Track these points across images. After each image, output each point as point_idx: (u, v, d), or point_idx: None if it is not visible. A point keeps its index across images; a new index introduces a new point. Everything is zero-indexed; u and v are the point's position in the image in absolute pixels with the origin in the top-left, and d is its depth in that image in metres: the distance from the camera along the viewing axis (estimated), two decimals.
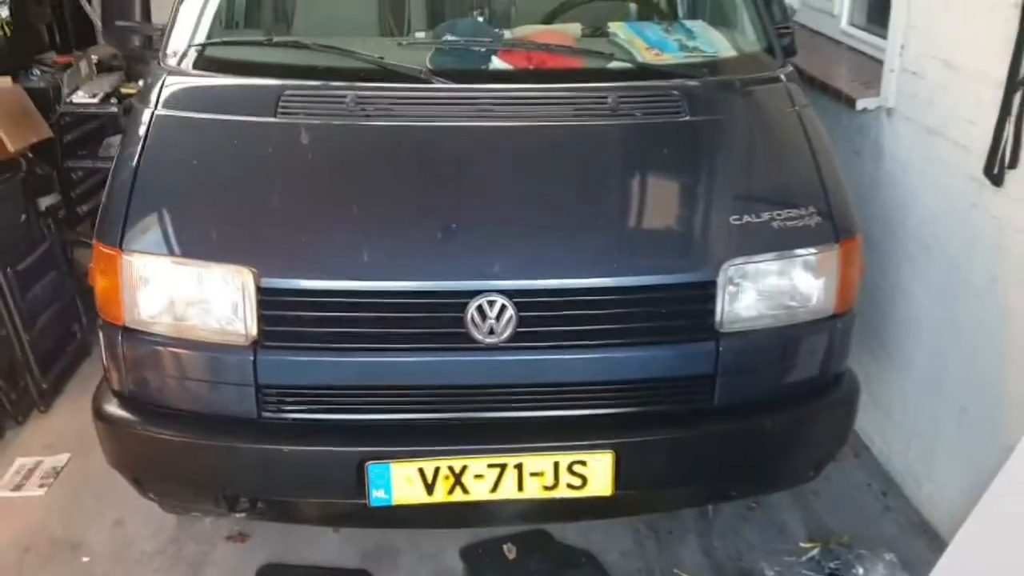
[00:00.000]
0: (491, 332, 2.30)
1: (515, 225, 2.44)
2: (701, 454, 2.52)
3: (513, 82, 2.77)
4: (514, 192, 2.50)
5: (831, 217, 2.50)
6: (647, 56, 2.82)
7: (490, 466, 2.36)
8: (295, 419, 2.39)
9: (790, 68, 2.93)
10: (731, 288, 2.39)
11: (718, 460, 2.55)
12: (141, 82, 3.08)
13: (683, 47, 2.85)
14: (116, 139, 4.52)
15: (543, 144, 2.60)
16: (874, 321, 3.41)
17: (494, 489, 2.38)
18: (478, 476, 2.36)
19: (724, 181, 2.60)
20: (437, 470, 2.35)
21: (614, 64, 2.82)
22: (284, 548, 3.02)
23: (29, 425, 3.68)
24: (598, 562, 2.98)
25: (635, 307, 2.38)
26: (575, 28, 3.03)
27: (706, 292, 2.38)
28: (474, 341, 2.31)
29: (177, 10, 2.93)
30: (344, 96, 2.61)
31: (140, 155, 2.52)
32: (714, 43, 2.94)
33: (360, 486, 2.35)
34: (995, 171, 2.63)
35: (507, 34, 3.01)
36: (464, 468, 2.35)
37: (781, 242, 2.44)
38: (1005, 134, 2.58)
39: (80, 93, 4.64)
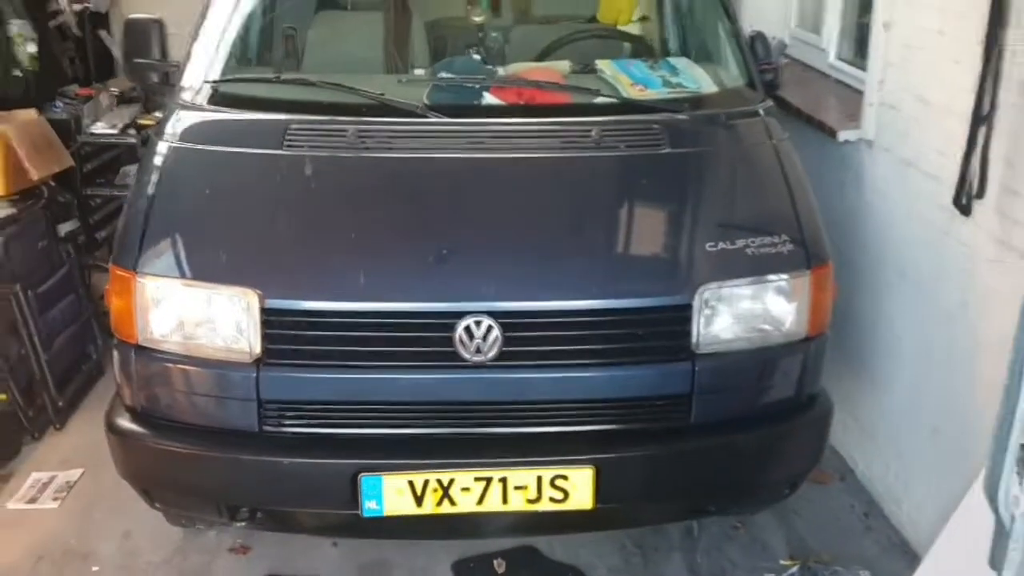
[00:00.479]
0: (478, 351, 2.44)
1: (502, 250, 2.59)
2: (678, 470, 2.63)
3: (504, 116, 2.94)
4: (502, 219, 2.65)
5: (803, 245, 2.63)
6: (631, 92, 2.98)
7: (476, 479, 2.48)
8: (294, 433, 2.53)
9: (769, 103, 3.07)
10: (706, 311, 2.52)
11: (695, 476, 2.66)
12: (158, 113, 3.26)
13: (667, 83, 3.01)
14: (133, 168, 4.70)
15: (530, 174, 2.75)
16: (857, 345, 3.53)
17: (480, 501, 2.50)
18: (465, 489, 2.49)
19: (701, 210, 2.75)
20: (426, 482, 2.47)
21: (600, 99, 2.98)
22: (284, 560, 3.15)
23: (45, 441, 3.83)
24: None
25: (615, 328, 2.51)
26: (564, 65, 3.20)
27: (682, 315, 2.51)
28: (462, 360, 2.45)
29: (191, 48, 3.12)
30: (346, 130, 2.77)
31: (155, 185, 2.70)
32: (697, 79, 3.09)
33: (354, 497, 2.48)
34: (963, 201, 2.76)
35: (500, 71, 3.18)
36: (452, 481, 2.48)
37: (754, 268, 2.57)
38: (972, 166, 2.71)
39: (100, 124, 4.86)
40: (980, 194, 2.71)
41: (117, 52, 5.55)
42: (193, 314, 2.52)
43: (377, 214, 2.65)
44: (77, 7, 5.50)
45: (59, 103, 4.85)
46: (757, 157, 2.90)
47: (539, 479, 2.49)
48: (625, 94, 2.99)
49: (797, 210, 2.70)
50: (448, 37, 3.84)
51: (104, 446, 2.71)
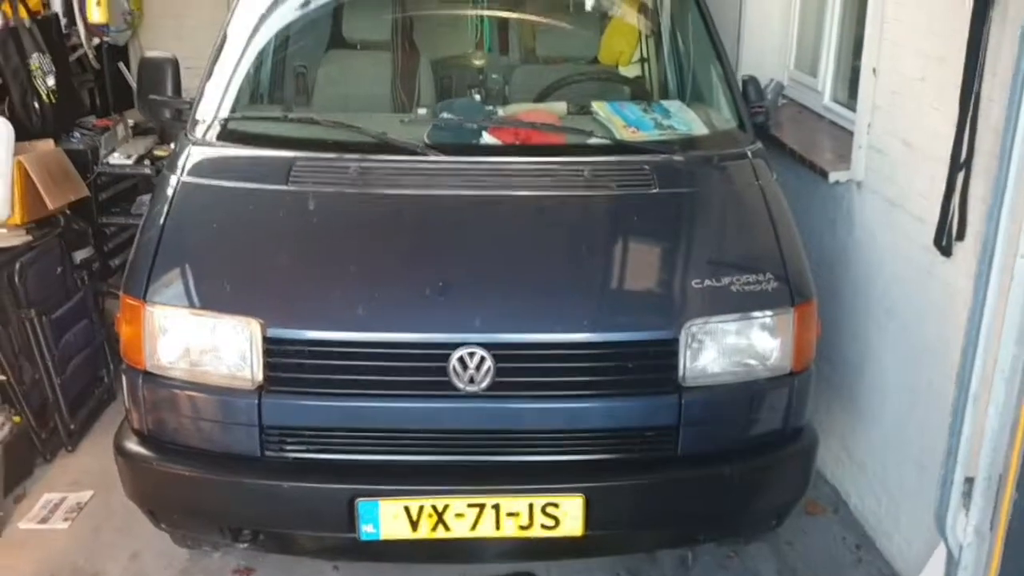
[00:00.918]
0: (471, 381, 2.53)
1: (495, 284, 2.69)
2: (665, 499, 2.71)
3: (501, 155, 3.06)
4: (496, 254, 2.76)
5: (788, 282, 2.73)
6: (624, 133, 3.10)
7: (470, 506, 2.57)
8: (294, 458, 2.63)
9: (759, 145, 3.18)
10: (693, 345, 2.62)
11: (682, 506, 2.74)
12: (173, 144, 3.39)
13: (658, 125, 3.12)
14: (147, 197, 4.82)
15: (524, 212, 2.87)
16: (848, 379, 3.61)
17: (473, 527, 2.59)
18: (459, 515, 2.57)
19: (688, 248, 2.85)
20: (421, 508, 2.56)
21: (593, 140, 3.09)
22: None
23: (56, 463, 3.93)
24: None
25: (604, 361, 2.61)
26: (561, 107, 3.32)
27: (669, 348, 2.60)
28: (455, 389, 2.54)
29: (204, 87, 3.25)
30: (349, 166, 2.89)
31: (165, 218, 2.81)
32: (688, 122, 3.21)
33: (351, 521, 2.57)
34: (944, 243, 2.85)
35: (500, 111, 3.30)
36: (446, 507, 2.57)
37: (740, 304, 2.66)
38: (951, 209, 2.80)
39: (116, 155, 4.99)
40: (960, 236, 2.80)
41: (134, 82, 5.69)
42: (199, 342, 2.62)
43: (376, 248, 2.76)
44: (96, 41, 5.66)
45: (77, 134, 4.98)
46: (744, 198, 3.00)
47: (531, 506, 2.57)
48: (618, 136, 3.11)
49: (782, 249, 2.80)
50: (454, 76, 3.97)
51: (113, 468, 2.81)
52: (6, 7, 4.63)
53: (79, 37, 5.46)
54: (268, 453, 2.62)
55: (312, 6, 3.77)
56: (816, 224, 3.79)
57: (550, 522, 2.59)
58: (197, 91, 3.26)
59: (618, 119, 3.14)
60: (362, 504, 2.55)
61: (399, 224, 2.82)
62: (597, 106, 3.27)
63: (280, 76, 3.78)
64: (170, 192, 2.90)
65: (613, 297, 2.75)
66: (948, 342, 2.92)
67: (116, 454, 2.76)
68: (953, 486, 1.54)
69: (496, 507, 2.57)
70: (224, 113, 3.20)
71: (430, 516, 2.57)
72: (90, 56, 5.68)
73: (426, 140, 3.02)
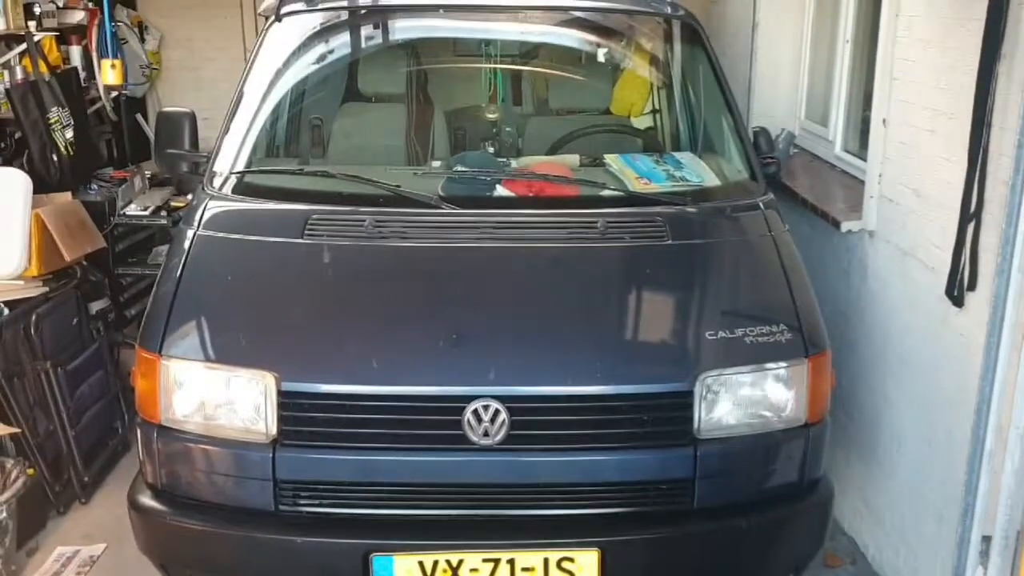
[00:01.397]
0: (485, 434, 2.53)
1: (509, 336, 2.70)
2: (682, 553, 2.69)
3: (514, 208, 3.08)
4: (510, 307, 2.77)
5: (801, 333, 2.73)
6: (636, 185, 3.12)
7: (485, 560, 2.55)
8: (309, 512, 2.62)
9: (770, 196, 3.20)
10: (708, 397, 2.61)
11: (699, 559, 2.72)
12: (190, 196, 3.43)
13: (670, 177, 3.15)
14: (164, 248, 4.88)
15: (538, 264, 2.88)
16: (865, 430, 3.59)
17: None
18: (474, 570, 2.56)
19: (702, 300, 2.86)
20: (436, 563, 2.55)
21: (606, 192, 3.12)
22: None
23: (70, 515, 3.92)
24: None
25: (619, 414, 2.60)
26: (574, 159, 3.35)
27: (684, 401, 2.60)
28: (470, 442, 2.54)
29: (221, 141, 3.30)
30: (364, 219, 2.92)
31: (181, 271, 2.84)
32: (700, 173, 3.23)
33: None
34: (955, 293, 2.85)
35: (514, 163, 3.33)
36: (461, 562, 2.55)
37: (754, 356, 2.66)
38: (963, 259, 2.80)
39: (133, 206, 5.06)
40: (972, 286, 2.80)
41: (152, 134, 5.79)
42: (214, 395, 2.63)
43: (391, 301, 2.78)
44: (113, 93, 5.76)
45: (94, 185, 5.05)
46: (757, 249, 3.01)
47: (546, 561, 2.55)
48: (630, 187, 3.13)
49: (795, 300, 2.80)
50: (467, 129, 4.02)
51: (127, 520, 2.80)
52: (26, 62, 4.73)
53: (98, 90, 5.56)
54: (282, 507, 2.61)
55: (328, 60, 3.84)
56: (829, 273, 3.79)
57: None
58: (214, 145, 3.30)
59: (630, 171, 3.17)
60: (376, 559, 2.53)
61: (413, 277, 2.84)
62: (609, 158, 3.30)
63: (296, 129, 3.83)
64: (186, 245, 2.93)
65: (628, 349, 2.75)
66: (965, 392, 2.90)
67: (130, 508, 2.76)
68: (971, 544, 1.53)
69: (511, 562, 2.56)
70: (240, 166, 3.24)
71: (445, 571, 2.55)
72: (108, 108, 5.78)
73: (440, 193, 3.06)
